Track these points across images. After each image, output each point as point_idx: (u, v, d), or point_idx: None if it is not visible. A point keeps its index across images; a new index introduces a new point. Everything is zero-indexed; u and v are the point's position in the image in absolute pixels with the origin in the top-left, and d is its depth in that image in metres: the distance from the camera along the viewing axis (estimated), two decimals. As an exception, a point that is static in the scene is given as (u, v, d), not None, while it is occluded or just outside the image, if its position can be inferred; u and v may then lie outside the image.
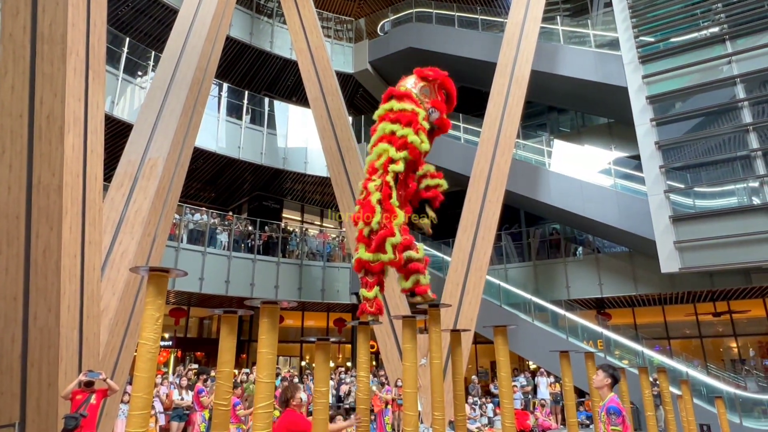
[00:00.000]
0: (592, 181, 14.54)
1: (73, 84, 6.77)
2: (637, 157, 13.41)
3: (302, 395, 3.98)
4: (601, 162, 15.88)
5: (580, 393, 12.22)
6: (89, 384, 6.02)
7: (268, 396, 2.86)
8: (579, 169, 15.08)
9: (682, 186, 12.13)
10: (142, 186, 8.93)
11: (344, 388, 12.18)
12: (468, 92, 20.30)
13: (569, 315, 13.87)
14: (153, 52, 14.98)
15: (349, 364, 19.13)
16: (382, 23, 20.74)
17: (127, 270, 7.97)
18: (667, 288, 13.42)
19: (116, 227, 8.40)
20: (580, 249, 16.12)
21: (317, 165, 17.82)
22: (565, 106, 18.61)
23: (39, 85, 6.56)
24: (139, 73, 14.94)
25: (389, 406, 10.00)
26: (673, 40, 13.57)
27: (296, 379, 12.40)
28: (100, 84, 7.48)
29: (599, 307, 16.33)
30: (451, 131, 18.12)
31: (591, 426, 12.16)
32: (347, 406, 11.12)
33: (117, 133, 13.08)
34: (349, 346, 20.50)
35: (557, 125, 19.51)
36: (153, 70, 14.47)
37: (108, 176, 8.62)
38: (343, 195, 13.80)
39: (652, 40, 13.82)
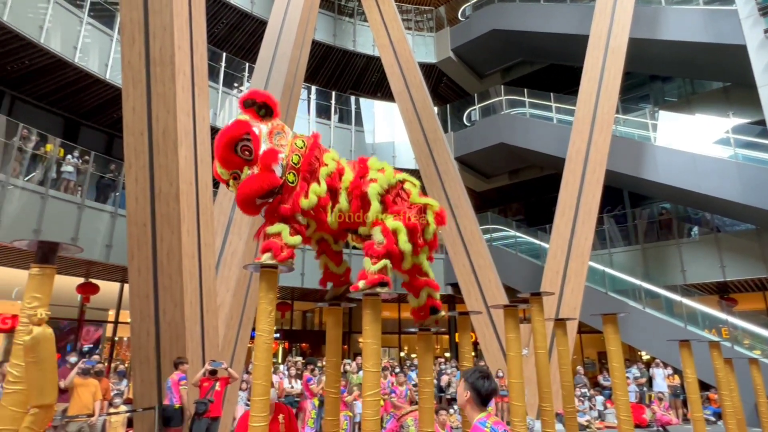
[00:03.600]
0: (708, 153, 13.15)
1: (182, 100, 7.42)
2: (762, 123, 11.91)
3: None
4: (717, 131, 14.28)
5: (704, 386, 11.17)
6: (213, 372, 6.62)
7: (375, 384, 2.96)
8: (690, 141, 13.70)
9: (822, 151, 10.57)
10: (245, 189, 9.57)
11: (445, 379, 12.20)
12: (558, 70, 19.29)
13: (686, 301, 12.72)
14: (247, 64, 15.97)
15: (447, 354, 19.14)
16: (462, 8, 20.31)
17: (238, 268, 8.62)
18: (807, 268, 11.82)
19: (226, 229, 9.11)
20: (695, 229, 14.69)
21: (405, 158, 17.94)
22: (670, 74, 16.97)
23: (154, 105, 7.28)
24: (236, 84, 16.01)
25: (491, 397, 9.88)
26: (801, -16, 11.83)
27: (397, 369, 12.64)
28: (204, 98, 8.13)
29: (722, 292, 14.77)
30: (542, 111, 17.62)
31: (719, 423, 11.10)
32: (449, 397, 11.14)
33: (220, 142, 14.14)
34: (447, 336, 20.50)
35: (662, 95, 17.86)
36: (248, 81, 15.43)
37: (216, 182, 9.35)
38: (433, 186, 13.77)
39: (774, -13, 12.16)
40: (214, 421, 6.64)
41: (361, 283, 3.22)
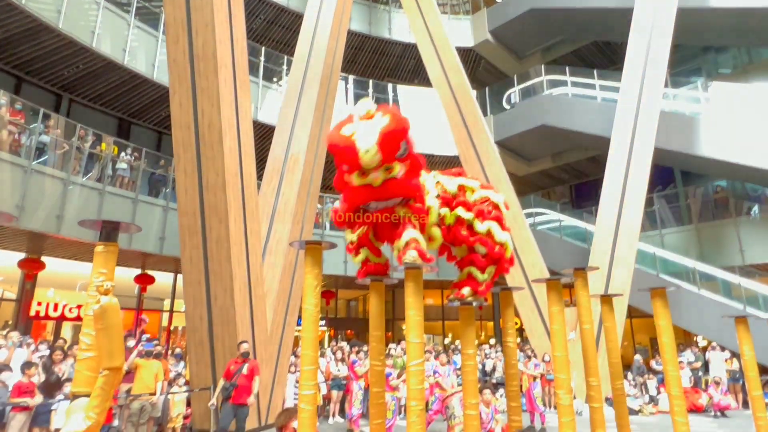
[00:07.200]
0: None
1: (224, 94, 7.66)
2: (828, 90, 11.11)
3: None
4: (777, 102, 13.43)
5: (764, 370, 10.62)
6: (245, 355, 6.62)
7: (419, 355, 3.02)
8: (748, 114, 12.94)
9: None
10: (288, 179, 9.83)
11: (489, 364, 12.14)
12: (601, 47, 18.61)
13: (746, 282, 12.10)
14: (285, 57, 16.24)
15: (492, 341, 19.00)
16: (499, -12, 19.84)
17: (284, 255, 8.88)
18: None
19: (270, 218, 9.38)
20: (755, 206, 13.91)
21: (444, 144, 17.80)
22: (724, 44, 16.05)
23: (199, 99, 7.56)
24: (275, 78, 16.32)
25: (537, 380, 9.78)
26: None
27: (443, 356, 12.67)
28: (245, 92, 8.37)
29: (786, 273, 13.98)
30: (585, 90, 17.06)
31: (783, 407, 10.54)
32: (495, 381, 11.10)
33: (262, 135, 14.51)
34: (491, 323, 20.35)
35: (715, 67, 16.91)
36: (286, 74, 15.70)
37: (258, 174, 9.64)
38: (473, 170, 13.63)
39: (841, -58, 11.25)
40: (240, 408, 6.30)
41: (466, 290, 3.58)
